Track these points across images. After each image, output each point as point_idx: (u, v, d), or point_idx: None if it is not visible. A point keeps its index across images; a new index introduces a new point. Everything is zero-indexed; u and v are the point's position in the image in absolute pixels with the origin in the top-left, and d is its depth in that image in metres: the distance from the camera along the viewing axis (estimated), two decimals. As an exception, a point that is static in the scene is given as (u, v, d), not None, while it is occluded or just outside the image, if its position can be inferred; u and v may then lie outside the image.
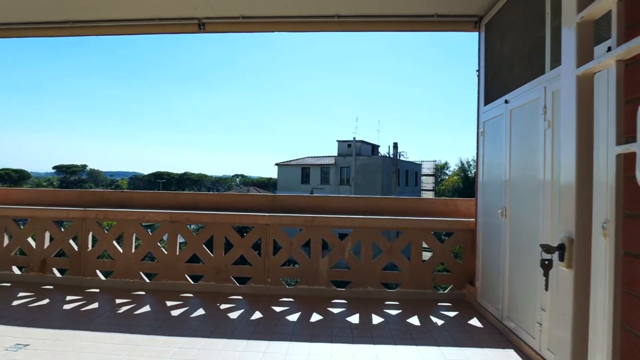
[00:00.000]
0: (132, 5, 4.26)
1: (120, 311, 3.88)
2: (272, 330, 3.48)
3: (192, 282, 4.62)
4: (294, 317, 3.81)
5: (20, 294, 4.34)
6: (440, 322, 3.78)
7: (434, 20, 4.29)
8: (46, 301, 4.14)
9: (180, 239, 4.77)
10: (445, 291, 4.51)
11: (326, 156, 38.16)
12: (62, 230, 4.91)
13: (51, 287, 4.67)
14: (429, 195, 38.72)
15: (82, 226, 4.82)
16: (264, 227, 4.51)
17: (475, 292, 4.17)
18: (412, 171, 38.84)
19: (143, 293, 4.50)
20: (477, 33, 4.36)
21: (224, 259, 4.58)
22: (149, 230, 4.88)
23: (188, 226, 4.74)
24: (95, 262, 4.81)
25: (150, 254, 4.81)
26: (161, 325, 3.53)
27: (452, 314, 4.02)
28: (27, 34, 4.86)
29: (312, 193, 30.10)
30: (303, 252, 4.56)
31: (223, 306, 4.07)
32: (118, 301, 4.18)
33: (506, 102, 3.51)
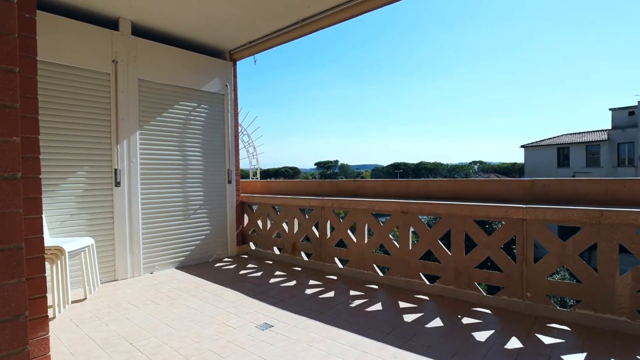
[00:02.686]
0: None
1: (352, 305, 3.69)
2: (542, 374, 2.39)
3: (428, 283, 4.00)
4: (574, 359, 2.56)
5: (277, 272, 4.89)
6: None
7: None
8: (293, 282, 4.46)
9: (412, 232, 4.24)
10: None
11: (592, 131, 29.96)
12: (307, 217, 5.29)
13: (299, 268, 5.10)
14: None
15: (321, 214, 5.03)
16: (520, 222, 3.35)
17: None
18: None
19: (376, 287, 4.22)
20: None
21: (464, 260, 3.71)
22: (380, 220, 4.59)
23: (420, 217, 4.14)
24: (333, 249, 4.92)
25: (382, 246, 4.50)
26: (392, 330, 3.06)
27: None
28: (271, 45, 5.45)
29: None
30: (584, 262, 3.12)
31: (465, 320, 3.24)
32: (352, 293, 4.04)
33: None
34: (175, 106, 5.21)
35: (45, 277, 1.48)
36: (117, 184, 4.59)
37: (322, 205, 4.98)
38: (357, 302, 3.75)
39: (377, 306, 3.64)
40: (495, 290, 3.55)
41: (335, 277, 4.65)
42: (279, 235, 5.71)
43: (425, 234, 4.04)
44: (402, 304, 3.67)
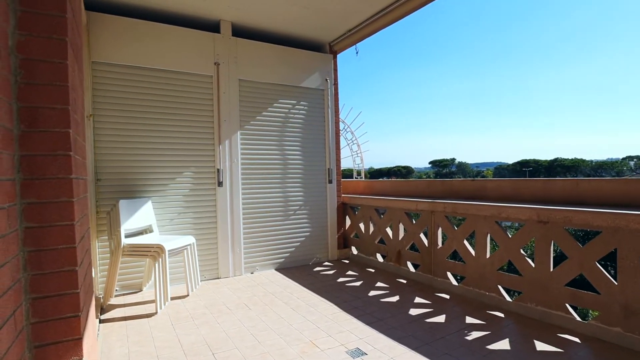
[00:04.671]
0: None
1: (469, 337, 2.92)
2: None
3: (578, 319, 2.97)
4: None
5: (378, 284, 4.34)
6: None
7: None
8: (396, 298, 3.85)
9: (554, 248, 3.23)
10: None
11: None
12: (414, 222, 4.60)
13: (404, 280, 4.45)
14: None
15: (430, 219, 4.30)
16: None
17: None
18: None
19: (501, 315, 3.34)
20: None
21: (639, 292, 2.61)
22: (507, 229, 3.65)
23: (567, 230, 3.11)
24: (445, 262, 4.15)
25: (510, 263, 3.57)
26: (526, 385, 2.25)
27: None
28: (372, 29, 4.91)
29: None
30: None
31: (647, 385, 2.21)
32: (468, 320, 3.26)
33: None
34: (275, 104, 5.08)
35: (78, 293, 1.25)
36: (220, 184, 4.64)
37: (432, 209, 4.24)
38: (475, 334, 2.97)
39: (504, 343, 2.81)
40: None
41: (447, 296, 3.89)
42: (382, 241, 5.14)
43: (575, 252, 3.00)
44: (540, 345, 2.75)
